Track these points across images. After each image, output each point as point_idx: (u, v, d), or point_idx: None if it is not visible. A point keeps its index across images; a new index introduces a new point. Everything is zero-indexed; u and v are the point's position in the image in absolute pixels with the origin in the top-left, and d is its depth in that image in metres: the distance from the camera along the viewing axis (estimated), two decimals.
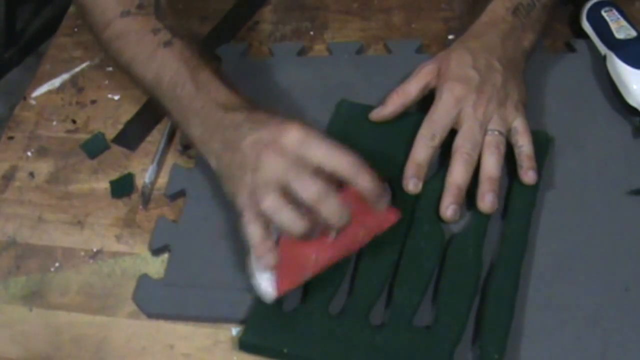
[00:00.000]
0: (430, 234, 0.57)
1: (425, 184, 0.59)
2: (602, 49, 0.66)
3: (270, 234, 0.52)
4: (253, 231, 0.52)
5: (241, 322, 0.55)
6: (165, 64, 0.59)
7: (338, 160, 0.51)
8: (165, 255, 0.61)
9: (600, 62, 0.66)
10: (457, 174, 0.57)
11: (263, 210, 0.51)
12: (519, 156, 0.58)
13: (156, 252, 0.61)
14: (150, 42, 0.60)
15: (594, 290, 0.53)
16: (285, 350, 0.52)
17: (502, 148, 0.58)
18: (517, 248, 0.55)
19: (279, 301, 0.54)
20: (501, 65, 0.60)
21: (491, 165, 0.57)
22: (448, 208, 0.56)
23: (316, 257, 0.52)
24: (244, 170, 0.52)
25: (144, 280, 0.59)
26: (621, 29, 0.66)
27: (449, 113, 0.59)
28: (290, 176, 0.50)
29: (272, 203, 0.51)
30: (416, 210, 0.58)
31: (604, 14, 0.68)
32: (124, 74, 0.64)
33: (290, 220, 0.50)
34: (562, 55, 0.68)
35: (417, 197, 0.59)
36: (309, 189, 0.50)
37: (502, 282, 0.54)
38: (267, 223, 0.52)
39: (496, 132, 0.58)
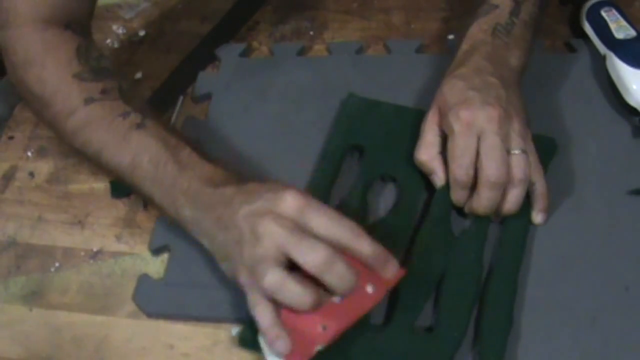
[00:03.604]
0: (438, 236, 0.56)
1: (437, 190, 0.59)
2: (602, 49, 0.66)
3: (279, 314, 0.49)
4: (261, 315, 0.49)
5: (241, 322, 0.55)
6: (141, 147, 0.55)
7: (338, 227, 0.49)
8: (165, 255, 0.61)
9: (600, 62, 0.66)
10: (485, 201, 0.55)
11: (267, 288, 0.48)
12: (532, 193, 0.57)
13: (156, 252, 0.61)
14: (120, 126, 0.56)
15: (594, 290, 0.53)
16: None
17: (528, 171, 0.55)
18: (515, 253, 0.55)
19: None
20: (497, 80, 0.58)
21: (516, 200, 0.55)
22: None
23: (324, 326, 0.49)
24: (240, 247, 0.49)
25: (144, 280, 0.59)
26: (621, 29, 0.66)
27: (468, 143, 0.55)
28: (291, 245, 0.47)
29: (273, 280, 0.47)
30: (427, 216, 0.58)
31: (603, 14, 0.68)
32: (93, 163, 0.60)
33: (295, 295, 0.47)
34: (562, 55, 0.69)
35: (426, 199, 0.59)
36: (312, 258, 0.47)
37: (501, 287, 0.54)
38: (274, 300, 0.48)
39: (517, 151, 0.55)
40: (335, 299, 0.49)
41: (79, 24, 0.62)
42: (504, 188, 0.55)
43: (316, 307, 0.48)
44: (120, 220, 0.64)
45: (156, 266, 0.60)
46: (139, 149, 0.56)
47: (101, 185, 0.67)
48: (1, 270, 0.63)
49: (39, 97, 0.59)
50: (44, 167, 0.70)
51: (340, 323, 0.49)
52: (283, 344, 0.48)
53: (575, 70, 0.67)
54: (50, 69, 0.59)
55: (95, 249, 0.63)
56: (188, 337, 0.56)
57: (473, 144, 0.55)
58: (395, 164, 0.61)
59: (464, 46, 0.61)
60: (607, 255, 0.55)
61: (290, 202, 0.49)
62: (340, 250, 0.48)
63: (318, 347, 0.49)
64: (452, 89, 0.58)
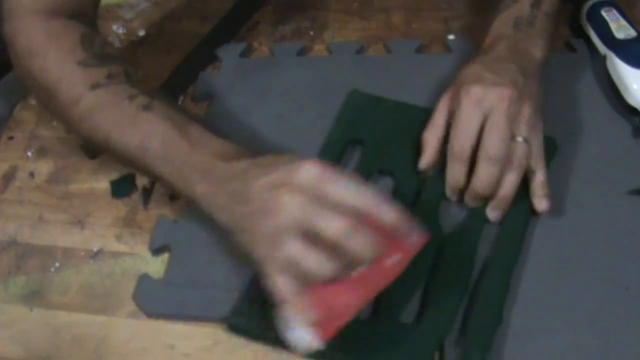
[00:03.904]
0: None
1: (426, 181, 0.59)
2: (602, 49, 0.66)
3: (301, 284, 0.47)
4: (282, 286, 0.47)
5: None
6: (150, 128, 0.55)
7: (359, 194, 0.47)
8: (165, 255, 0.61)
9: (600, 62, 0.66)
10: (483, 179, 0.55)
11: (286, 259, 0.47)
12: (531, 182, 0.57)
13: (156, 252, 0.61)
14: (127, 109, 0.56)
15: (594, 290, 0.53)
16: (271, 335, 0.52)
17: (525, 161, 0.55)
18: (511, 252, 0.55)
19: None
20: (516, 67, 0.58)
21: (510, 185, 0.55)
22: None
23: (348, 298, 0.48)
24: (257, 220, 0.48)
25: (144, 280, 0.59)
26: (621, 29, 0.66)
27: (471, 117, 0.55)
28: (312, 214, 0.46)
29: (295, 249, 0.46)
30: (415, 207, 0.58)
31: (603, 13, 0.68)
32: (102, 150, 0.60)
33: (318, 264, 0.46)
34: (562, 55, 0.68)
35: (417, 194, 0.59)
36: (335, 225, 0.46)
37: (493, 284, 0.54)
38: (294, 272, 0.47)
39: (520, 139, 0.55)
40: (356, 273, 0.48)
41: (84, 16, 0.62)
42: (502, 169, 0.55)
43: (336, 277, 0.47)
44: (120, 220, 0.64)
45: (156, 266, 0.60)
46: (147, 130, 0.55)
47: (101, 185, 0.67)
48: (1, 270, 0.63)
49: (44, 87, 0.59)
50: (44, 167, 0.70)
51: (363, 295, 0.49)
52: (312, 314, 0.47)
53: (575, 70, 0.67)
54: (53, 57, 0.58)
55: (95, 249, 0.63)
56: (188, 337, 0.56)
57: (476, 119, 0.55)
58: (393, 159, 0.62)
59: (487, 40, 0.62)
60: (607, 255, 0.55)
61: (308, 172, 0.48)
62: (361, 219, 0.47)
63: (343, 321, 0.48)
64: (469, 70, 0.59)
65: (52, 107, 0.60)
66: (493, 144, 0.54)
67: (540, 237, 0.57)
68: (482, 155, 0.55)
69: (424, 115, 0.61)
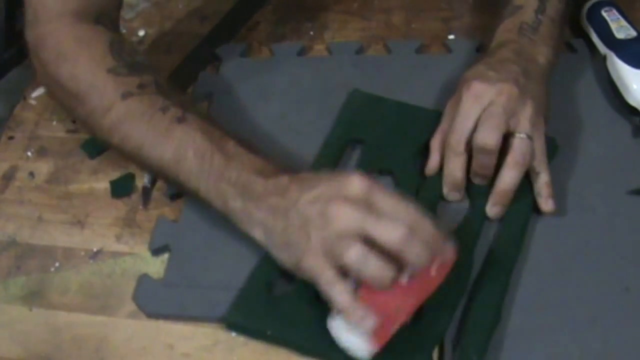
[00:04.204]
0: None
1: (425, 180, 0.59)
2: (602, 49, 0.66)
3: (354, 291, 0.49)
4: (341, 294, 0.48)
5: None
6: (184, 140, 0.54)
7: (405, 208, 0.49)
8: (165, 255, 0.61)
9: (600, 62, 0.66)
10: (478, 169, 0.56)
11: (348, 264, 0.47)
12: (535, 183, 0.57)
13: (156, 252, 0.61)
14: (161, 120, 0.55)
15: (594, 290, 0.53)
16: (268, 333, 0.53)
17: (528, 158, 0.55)
18: (511, 251, 0.55)
19: (269, 284, 0.55)
20: (520, 69, 0.58)
21: (510, 180, 0.55)
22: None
23: (398, 306, 0.49)
24: (306, 231, 0.49)
25: (144, 280, 0.59)
26: (621, 29, 0.66)
27: (470, 111, 0.56)
28: (370, 223, 0.47)
29: (358, 254, 0.47)
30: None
31: (604, 14, 0.68)
32: (131, 160, 0.60)
33: (378, 270, 0.47)
34: (562, 55, 0.68)
35: (417, 191, 0.59)
36: (394, 234, 0.47)
37: (492, 283, 0.54)
38: (354, 278, 0.48)
39: (523, 135, 0.55)
40: (403, 281, 0.49)
41: (108, 17, 0.61)
42: (493, 159, 0.55)
43: (392, 283, 0.48)
44: (120, 220, 0.64)
45: (156, 266, 0.60)
46: (182, 143, 0.55)
47: (101, 185, 0.67)
48: (1, 270, 0.63)
49: (73, 94, 0.58)
50: (44, 167, 0.70)
51: (412, 302, 0.50)
52: (370, 321, 0.48)
53: (575, 70, 0.67)
54: (84, 64, 0.58)
55: (95, 249, 0.63)
56: (188, 337, 0.56)
57: (474, 113, 0.56)
58: (393, 159, 0.62)
59: (492, 44, 0.62)
60: (607, 255, 0.55)
61: (358, 184, 0.49)
62: None
63: (395, 327, 0.49)
64: (472, 69, 0.59)
65: (80, 115, 0.60)
66: (482, 133, 0.55)
67: (540, 237, 0.57)
68: (473, 144, 0.55)
69: (425, 116, 0.61)
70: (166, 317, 0.57)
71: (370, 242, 0.47)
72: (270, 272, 0.55)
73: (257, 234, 0.53)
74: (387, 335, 0.49)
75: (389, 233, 0.47)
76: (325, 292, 0.49)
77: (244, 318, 0.54)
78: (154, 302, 0.57)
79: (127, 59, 0.59)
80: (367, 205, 0.48)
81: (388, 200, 0.49)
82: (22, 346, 0.58)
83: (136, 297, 0.58)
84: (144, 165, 0.58)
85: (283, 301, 0.54)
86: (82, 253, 0.63)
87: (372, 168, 0.62)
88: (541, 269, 0.55)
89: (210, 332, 0.56)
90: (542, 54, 0.61)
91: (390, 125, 0.64)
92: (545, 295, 0.54)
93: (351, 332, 0.49)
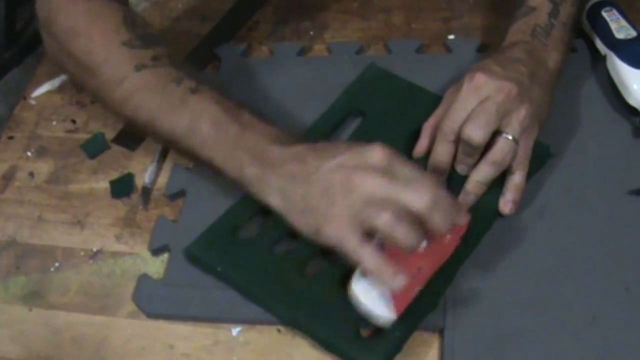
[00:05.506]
0: None
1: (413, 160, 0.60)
2: (602, 49, 0.66)
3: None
4: (369, 256, 0.49)
5: (241, 322, 0.55)
6: (199, 111, 0.55)
7: (425, 178, 0.50)
8: (165, 255, 0.61)
9: (600, 62, 0.66)
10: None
11: (380, 228, 0.48)
12: (506, 183, 0.57)
13: (156, 252, 0.61)
14: (174, 92, 0.56)
15: (594, 290, 0.53)
16: (218, 269, 0.56)
17: (507, 160, 0.55)
18: (468, 246, 0.55)
19: (236, 227, 0.57)
20: (527, 71, 0.58)
21: (483, 175, 0.56)
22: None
23: (419, 269, 0.51)
24: (329, 198, 0.50)
25: (144, 280, 0.59)
26: (621, 29, 0.66)
27: (466, 102, 0.56)
28: (397, 190, 0.49)
29: (388, 218, 0.48)
30: None
31: (604, 14, 0.68)
32: (143, 131, 0.61)
33: (408, 233, 0.48)
34: None
35: None
36: (421, 199, 0.48)
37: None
38: (384, 241, 0.50)
39: (510, 137, 0.55)
40: (422, 247, 0.50)
41: None
42: (479, 152, 0.56)
43: (417, 247, 0.49)
44: (120, 220, 0.64)
45: (156, 266, 0.60)
46: (196, 113, 0.55)
47: (101, 185, 0.67)
48: (1, 270, 0.63)
49: (86, 67, 0.59)
50: (44, 167, 0.70)
51: (432, 266, 0.52)
52: (403, 278, 0.49)
53: (575, 70, 0.67)
54: (97, 38, 0.58)
55: (95, 249, 0.63)
56: (188, 337, 0.56)
57: (470, 104, 0.56)
58: (387, 135, 0.61)
59: (504, 43, 0.62)
60: (607, 255, 0.55)
61: (380, 153, 0.50)
62: None
63: (416, 290, 0.51)
64: (480, 62, 0.59)
65: (92, 87, 0.60)
66: (471, 127, 0.55)
67: (540, 237, 0.57)
68: (460, 136, 0.56)
69: (432, 100, 0.62)
70: (166, 317, 0.57)
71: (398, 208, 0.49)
72: (240, 216, 0.58)
73: (274, 200, 0.53)
74: (409, 299, 0.50)
75: (417, 199, 0.48)
76: (351, 255, 0.50)
77: (202, 252, 0.57)
78: (154, 302, 0.57)
79: (140, 32, 0.60)
80: (392, 173, 0.49)
81: (409, 170, 0.50)
82: (22, 346, 0.58)
83: (136, 297, 0.58)
84: (157, 135, 0.59)
85: (242, 245, 0.57)
86: (82, 253, 0.63)
87: (363, 141, 0.61)
88: (541, 269, 0.55)
89: (210, 332, 0.56)
90: (552, 59, 0.60)
91: (394, 103, 0.65)
92: (545, 295, 0.54)
93: (373, 296, 0.50)
